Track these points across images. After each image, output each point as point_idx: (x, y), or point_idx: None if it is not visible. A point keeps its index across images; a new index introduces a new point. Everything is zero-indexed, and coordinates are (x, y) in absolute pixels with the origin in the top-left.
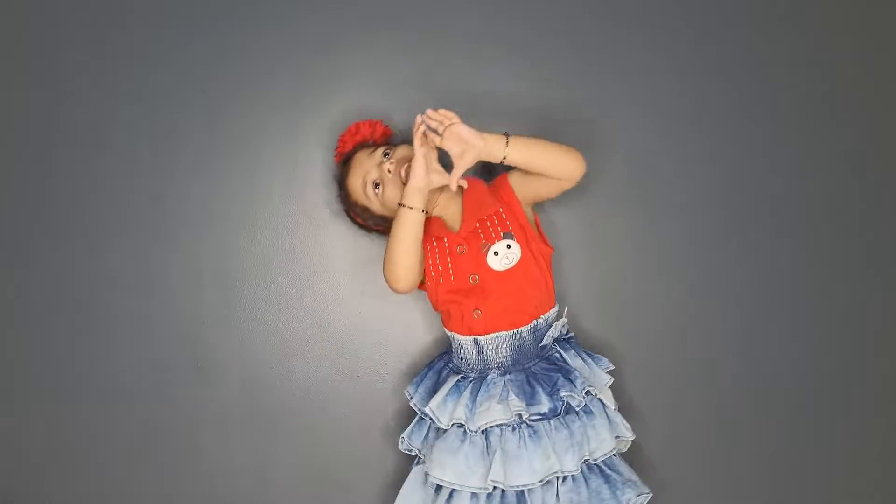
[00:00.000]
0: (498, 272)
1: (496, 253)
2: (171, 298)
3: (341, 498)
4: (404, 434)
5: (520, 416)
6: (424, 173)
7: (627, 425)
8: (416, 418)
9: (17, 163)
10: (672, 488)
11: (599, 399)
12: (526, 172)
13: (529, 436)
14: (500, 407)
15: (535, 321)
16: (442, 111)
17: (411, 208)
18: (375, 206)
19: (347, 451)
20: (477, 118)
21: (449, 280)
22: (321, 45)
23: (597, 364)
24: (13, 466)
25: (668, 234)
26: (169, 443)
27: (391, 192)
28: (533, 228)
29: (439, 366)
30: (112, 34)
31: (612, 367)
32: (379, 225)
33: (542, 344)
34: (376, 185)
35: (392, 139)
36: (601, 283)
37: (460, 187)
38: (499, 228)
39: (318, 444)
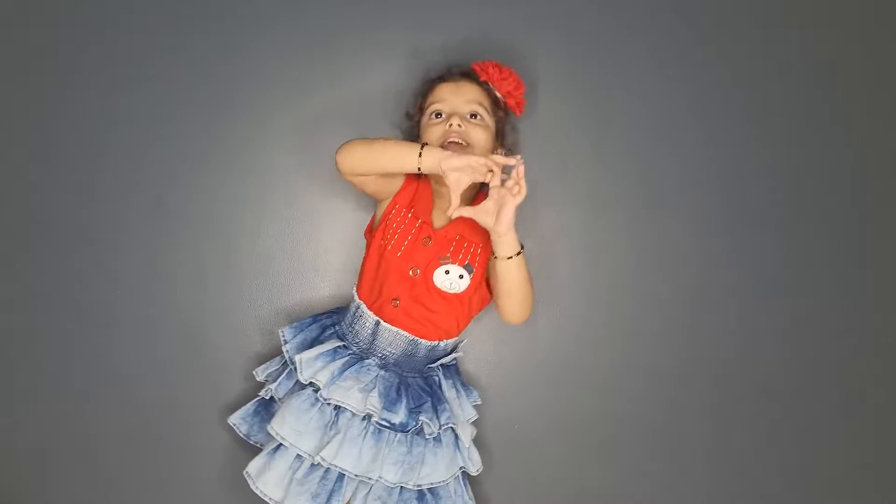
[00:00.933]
0: (433, 284)
1: (447, 272)
2: (174, 298)
3: None
4: (271, 384)
5: (370, 415)
6: (462, 165)
7: (476, 460)
8: (287, 369)
9: (20, 164)
10: (672, 488)
11: (453, 430)
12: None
13: (373, 432)
14: (359, 396)
15: (437, 342)
16: (523, 182)
17: (419, 156)
18: (422, 122)
19: None
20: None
21: (395, 254)
22: (322, 44)
23: (467, 395)
24: (13, 465)
25: (669, 233)
26: (170, 442)
27: (430, 136)
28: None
29: (325, 322)
30: (113, 36)
31: (479, 402)
32: (410, 137)
33: (430, 365)
34: (438, 115)
35: (501, 112)
36: (601, 282)
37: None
38: (468, 257)
39: None
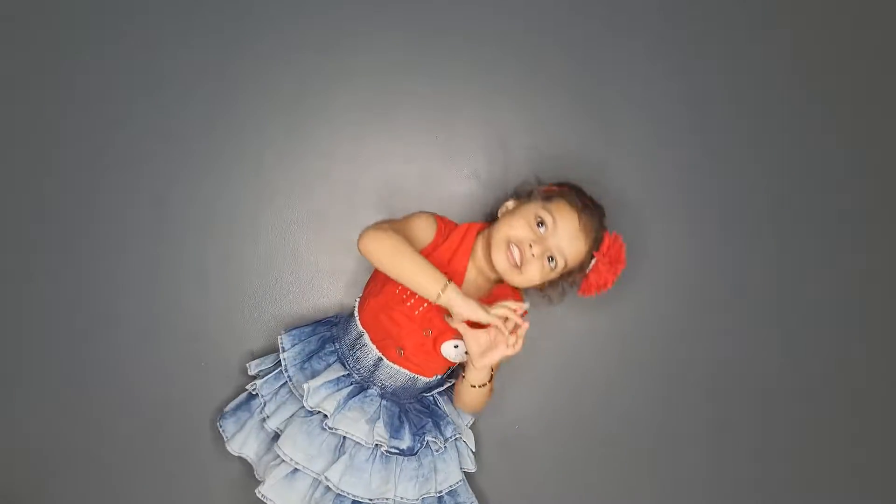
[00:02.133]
0: (440, 353)
1: (456, 346)
2: (176, 299)
3: None
4: (257, 381)
5: (377, 445)
6: (471, 316)
7: (472, 459)
8: (277, 371)
9: (22, 165)
10: (673, 489)
11: (458, 442)
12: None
13: (380, 457)
14: (366, 428)
15: (433, 377)
16: (522, 341)
17: (439, 295)
18: (520, 205)
19: None
20: (479, 119)
21: (413, 311)
22: (324, 45)
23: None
24: (17, 466)
25: (668, 234)
26: (173, 442)
27: (514, 226)
28: None
29: (325, 335)
30: (115, 36)
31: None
32: (494, 207)
33: (426, 395)
34: (539, 223)
35: (577, 274)
36: None
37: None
38: None
39: None
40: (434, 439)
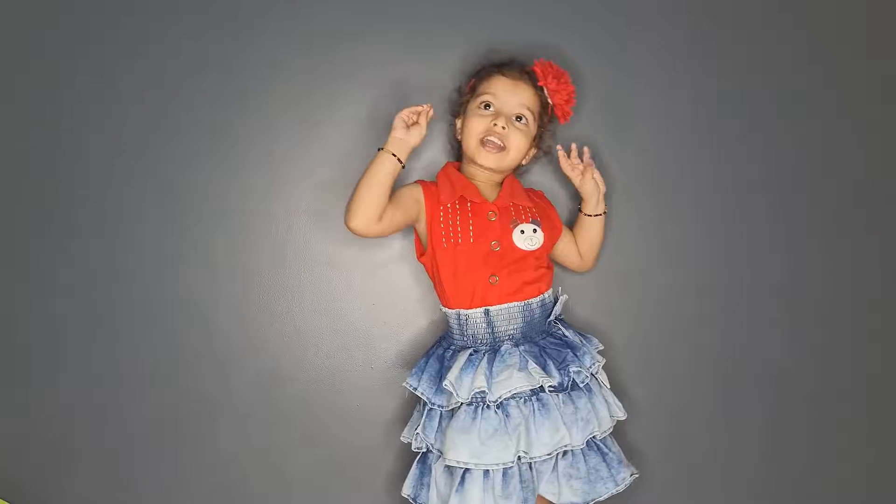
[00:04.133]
0: (518, 249)
1: (522, 231)
2: (186, 291)
3: (352, 488)
4: (417, 430)
5: (542, 384)
6: (403, 128)
7: (620, 405)
8: (426, 409)
9: (33, 156)
10: (679, 485)
11: (596, 378)
12: (571, 241)
13: (539, 409)
14: (521, 374)
15: (543, 296)
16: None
17: (393, 155)
18: (470, 106)
19: (360, 442)
20: None
21: (468, 242)
22: (335, 37)
23: (589, 344)
24: (27, 455)
25: (680, 228)
26: (183, 434)
27: (472, 126)
28: (556, 233)
29: (438, 352)
30: (125, 28)
31: (602, 348)
32: (453, 110)
33: (549, 318)
34: (487, 106)
35: (546, 117)
36: (612, 277)
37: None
38: (529, 215)
39: (331, 434)
40: (578, 369)
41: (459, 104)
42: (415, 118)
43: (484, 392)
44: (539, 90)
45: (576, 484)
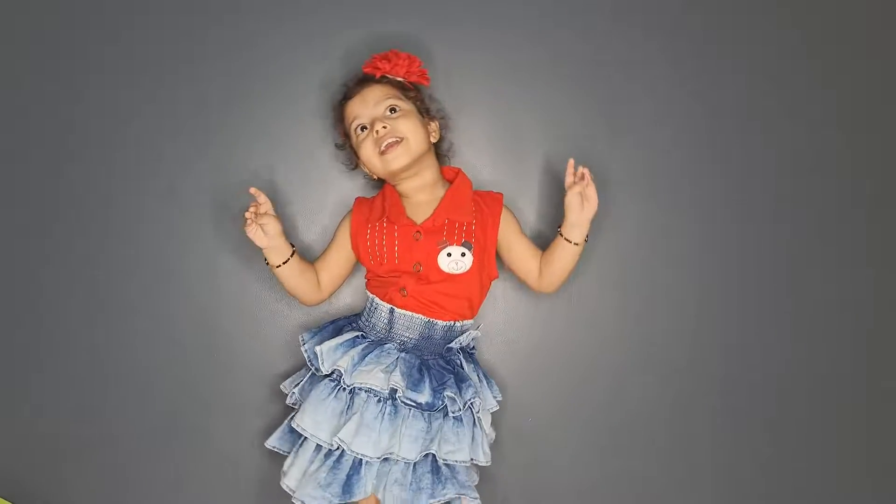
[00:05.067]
0: (442, 272)
1: (449, 255)
2: (187, 289)
3: None
4: (295, 388)
5: (394, 391)
6: (259, 237)
7: (488, 453)
8: (304, 368)
9: (35, 155)
10: (680, 485)
11: (478, 417)
12: (516, 243)
13: (389, 413)
14: (382, 376)
15: (453, 322)
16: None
17: (277, 266)
18: (353, 143)
19: None
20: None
21: (393, 262)
22: (337, 35)
23: (489, 386)
24: (31, 456)
25: (679, 226)
26: (184, 431)
27: (366, 151)
28: (492, 251)
29: (341, 324)
30: (127, 27)
31: (500, 398)
32: (349, 162)
33: (449, 345)
34: (363, 128)
35: (412, 91)
36: (611, 275)
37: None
38: (462, 236)
39: None
40: (453, 396)
41: (350, 153)
42: (251, 217)
43: (341, 373)
44: (385, 79)
45: (395, 489)
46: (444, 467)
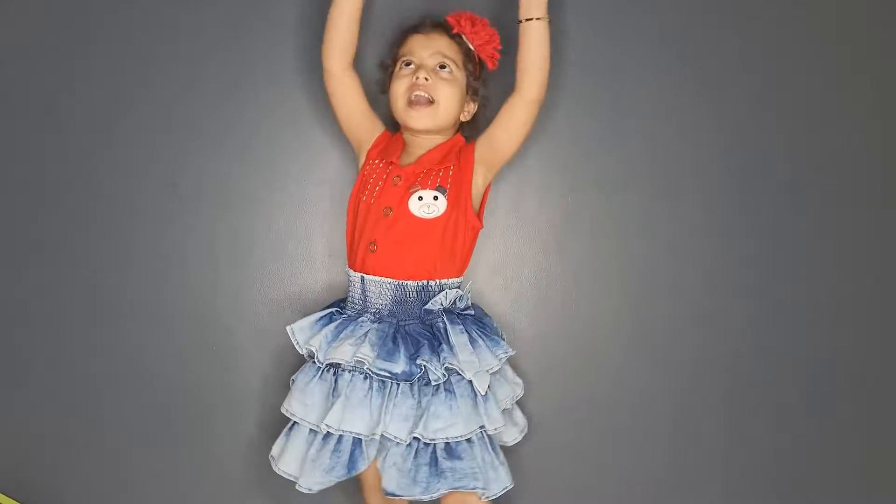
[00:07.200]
0: (412, 216)
1: (420, 198)
2: (186, 283)
3: (354, 486)
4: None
5: (362, 362)
6: None
7: (496, 418)
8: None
9: (32, 149)
10: (683, 481)
11: (470, 382)
12: (494, 133)
13: (377, 389)
14: (350, 349)
15: (426, 281)
16: None
17: None
18: (393, 71)
19: None
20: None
21: (369, 201)
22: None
23: (490, 347)
24: (28, 451)
25: (683, 219)
26: (183, 431)
27: (397, 88)
28: (474, 200)
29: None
30: (125, 19)
31: (511, 354)
32: (382, 86)
33: (426, 307)
34: (408, 64)
35: (472, 64)
36: (614, 269)
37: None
38: (437, 181)
39: None
40: (428, 363)
41: (386, 79)
42: None
43: (314, 352)
44: (457, 38)
45: (392, 472)
46: (443, 460)
